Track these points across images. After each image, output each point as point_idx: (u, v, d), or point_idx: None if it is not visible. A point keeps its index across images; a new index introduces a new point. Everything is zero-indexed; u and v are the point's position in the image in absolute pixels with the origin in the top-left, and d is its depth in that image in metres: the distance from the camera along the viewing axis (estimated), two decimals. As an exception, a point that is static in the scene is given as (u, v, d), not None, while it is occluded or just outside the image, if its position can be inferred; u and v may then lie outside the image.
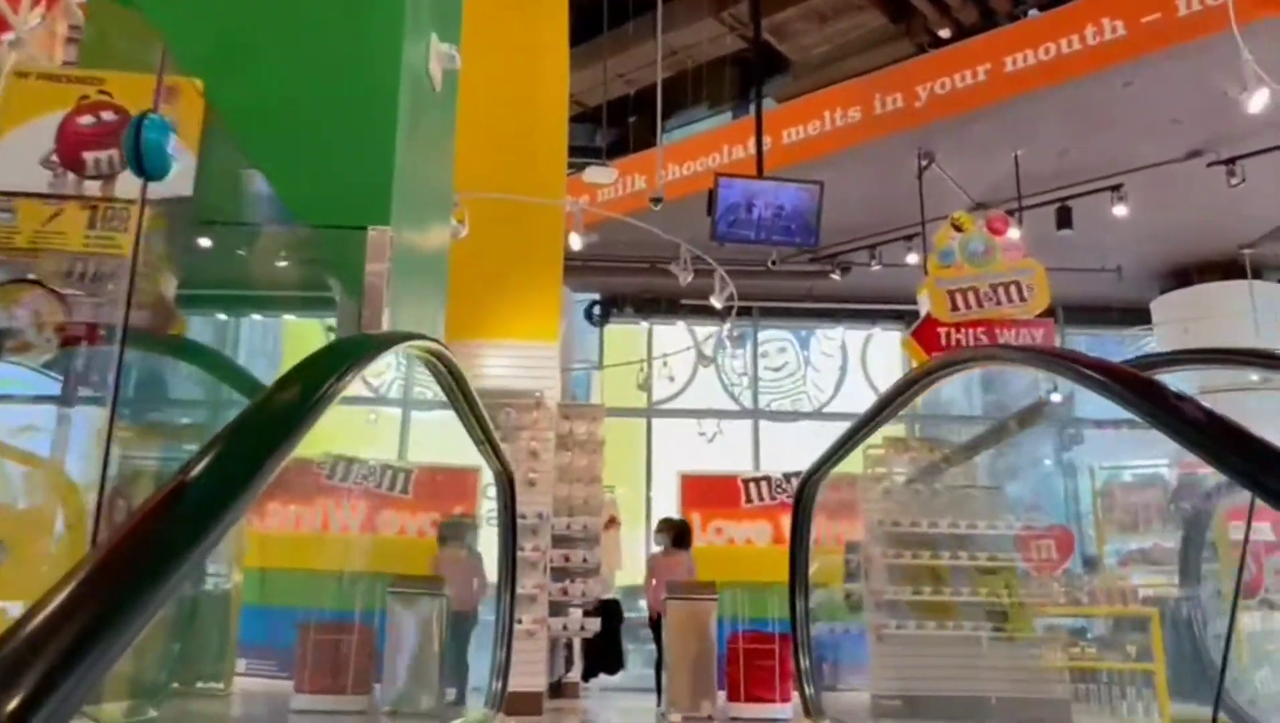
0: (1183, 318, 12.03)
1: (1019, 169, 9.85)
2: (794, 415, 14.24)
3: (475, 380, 7.63)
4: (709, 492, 12.51)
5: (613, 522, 11.17)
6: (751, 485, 12.42)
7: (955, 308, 8.99)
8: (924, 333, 9.23)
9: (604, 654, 10.87)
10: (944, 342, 9.18)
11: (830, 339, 14.30)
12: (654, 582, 8.54)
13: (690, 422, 14.21)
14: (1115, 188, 9.96)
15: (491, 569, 4.28)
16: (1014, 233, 9.31)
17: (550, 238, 8.16)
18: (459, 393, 2.88)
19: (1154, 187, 10.00)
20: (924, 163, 9.85)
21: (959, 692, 7.21)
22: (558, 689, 8.89)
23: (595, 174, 7.94)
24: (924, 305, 9.40)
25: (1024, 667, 7.40)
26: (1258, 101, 5.31)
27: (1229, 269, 12.14)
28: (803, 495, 3.74)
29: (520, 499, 7.95)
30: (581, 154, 10.25)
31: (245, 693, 6.35)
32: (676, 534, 8.78)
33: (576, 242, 7.19)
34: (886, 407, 2.82)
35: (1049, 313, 9.21)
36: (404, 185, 2.99)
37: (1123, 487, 10.36)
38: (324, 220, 2.96)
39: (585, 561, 7.77)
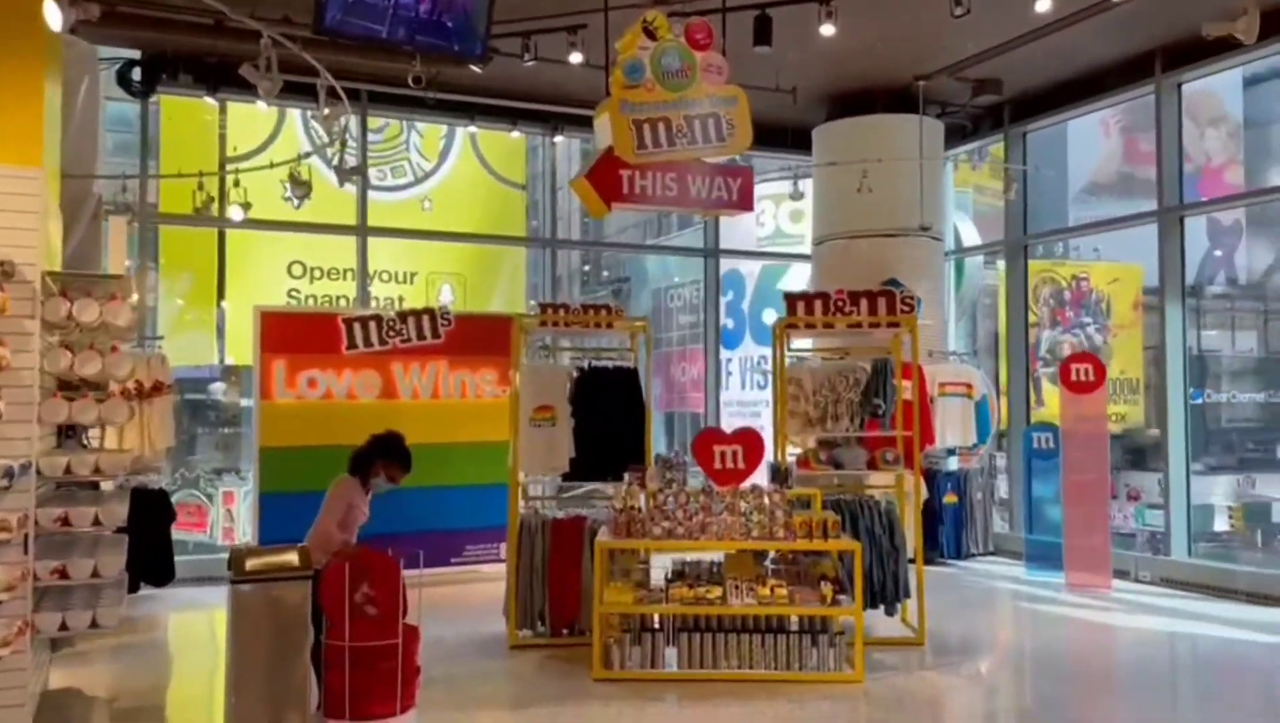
0: (851, 154, 10.83)
1: (724, -40, 7.67)
2: (405, 232, 11.65)
3: None
4: (299, 333, 9.70)
5: (159, 387, 8.17)
6: (356, 326, 9.77)
7: (643, 145, 6.84)
8: (602, 174, 7.03)
9: (148, 560, 8.20)
10: (626, 189, 7.06)
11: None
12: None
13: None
14: (825, 0, 8.15)
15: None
16: (715, 49, 7.24)
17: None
18: None
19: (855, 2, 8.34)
20: (609, -67, 7.34)
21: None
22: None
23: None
24: (601, 135, 7.16)
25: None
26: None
27: (897, 100, 11.11)
28: None
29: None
30: None
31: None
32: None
33: (55, 18, 3.92)
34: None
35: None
36: None
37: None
38: None
39: (98, 521, 4.97)
